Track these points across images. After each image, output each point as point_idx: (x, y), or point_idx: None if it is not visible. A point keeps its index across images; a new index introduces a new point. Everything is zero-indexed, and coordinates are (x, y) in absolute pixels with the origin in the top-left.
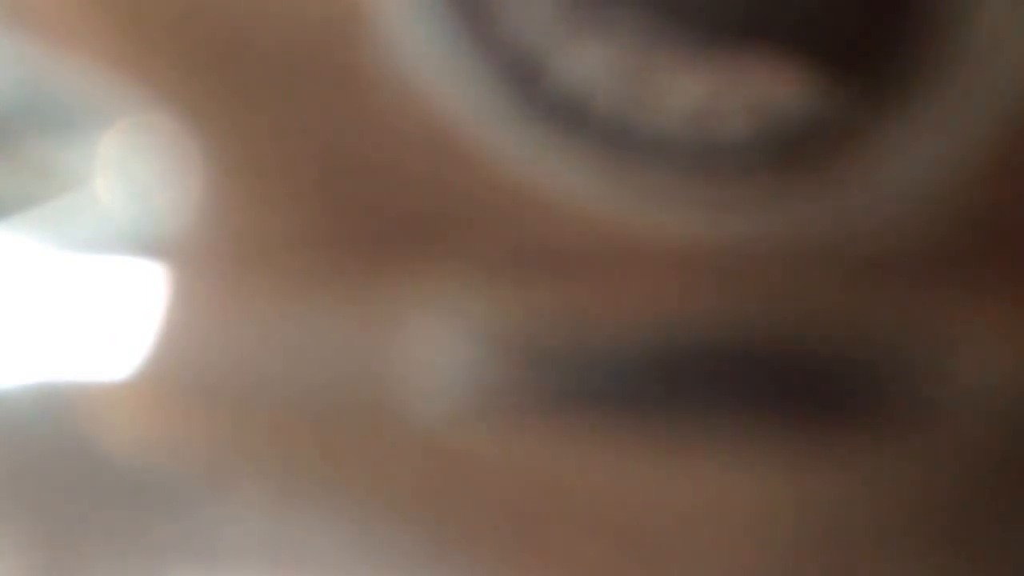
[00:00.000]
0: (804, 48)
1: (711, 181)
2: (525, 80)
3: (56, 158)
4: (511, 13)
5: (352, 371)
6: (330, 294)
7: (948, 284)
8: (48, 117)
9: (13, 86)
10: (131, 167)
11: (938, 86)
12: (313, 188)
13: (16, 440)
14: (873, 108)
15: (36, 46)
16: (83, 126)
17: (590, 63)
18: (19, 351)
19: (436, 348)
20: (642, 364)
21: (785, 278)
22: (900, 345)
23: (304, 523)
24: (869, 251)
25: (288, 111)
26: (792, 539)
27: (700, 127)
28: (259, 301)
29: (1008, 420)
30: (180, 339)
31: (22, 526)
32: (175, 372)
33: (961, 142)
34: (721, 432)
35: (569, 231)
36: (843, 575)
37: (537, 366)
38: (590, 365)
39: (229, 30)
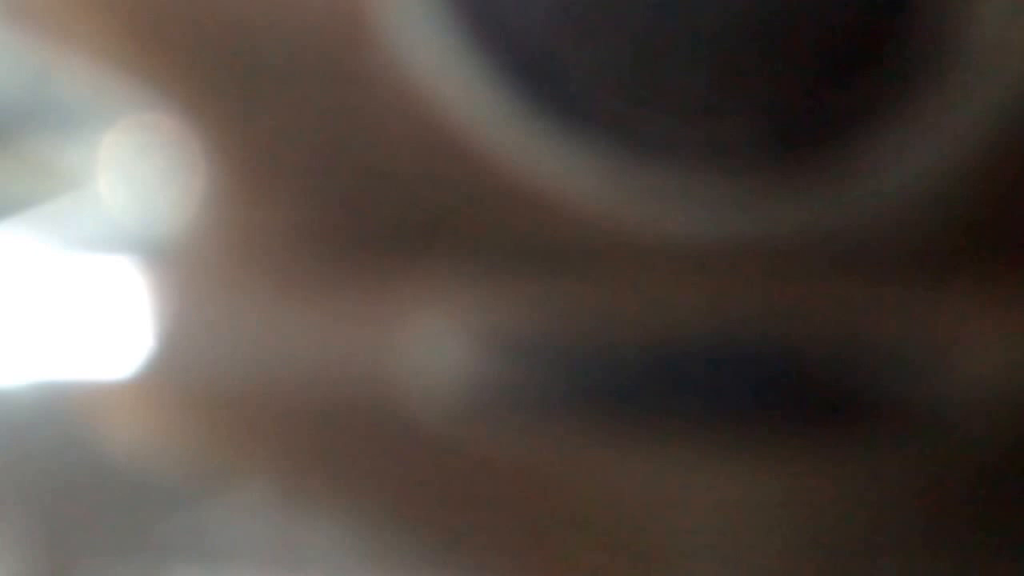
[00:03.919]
0: (805, 50)
1: (712, 181)
2: (527, 80)
3: (58, 158)
4: (513, 14)
5: (352, 370)
6: (330, 294)
7: (948, 284)
8: (50, 117)
9: (15, 86)
10: (132, 167)
11: (938, 87)
12: (314, 188)
13: (16, 439)
14: (873, 109)
15: (38, 46)
16: (85, 126)
17: (592, 64)
18: (20, 351)
19: (436, 348)
20: (642, 364)
21: (785, 278)
22: (900, 345)
23: (304, 522)
24: (869, 251)
25: (289, 111)
26: (792, 538)
27: (701, 127)
28: (259, 301)
29: (1008, 420)
30: (180, 339)
31: (23, 526)
32: (175, 372)
33: (961, 142)
34: (721, 431)
35: (570, 231)
36: (843, 574)
37: (537, 366)
38: (590, 365)
39: (231, 31)
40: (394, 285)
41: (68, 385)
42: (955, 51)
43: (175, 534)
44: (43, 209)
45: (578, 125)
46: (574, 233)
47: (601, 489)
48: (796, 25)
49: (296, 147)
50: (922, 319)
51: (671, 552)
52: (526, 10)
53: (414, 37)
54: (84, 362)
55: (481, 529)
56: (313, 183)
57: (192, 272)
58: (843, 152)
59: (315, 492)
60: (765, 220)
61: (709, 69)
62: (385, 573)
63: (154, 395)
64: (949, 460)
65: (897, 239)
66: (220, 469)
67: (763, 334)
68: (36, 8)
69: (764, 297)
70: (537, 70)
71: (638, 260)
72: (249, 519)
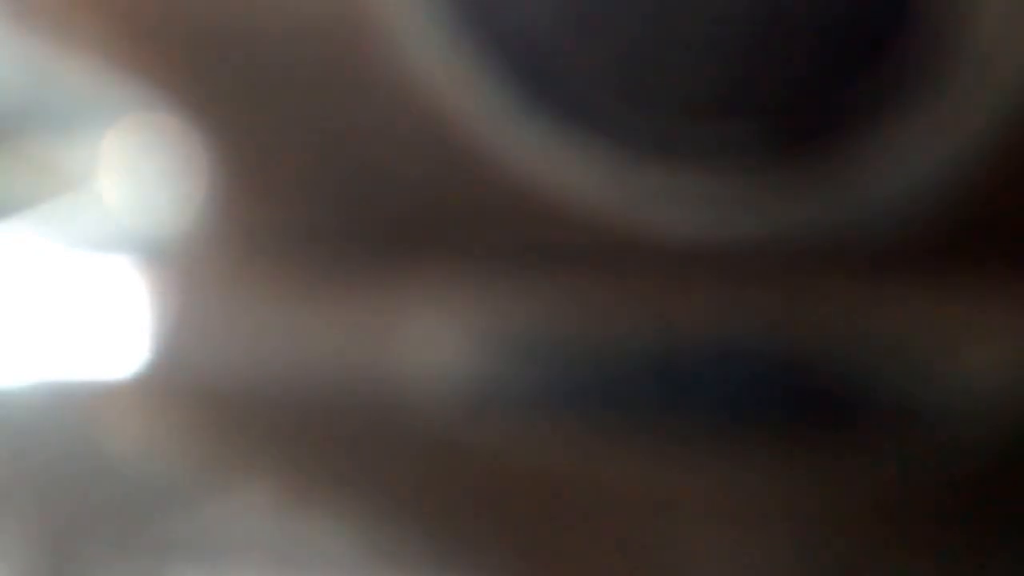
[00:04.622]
0: (805, 50)
1: (712, 181)
2: (527, 80)
3: (58, 158)
4: (514, 14)
5: (352, 370)
6: (330, 294)
7: (948, 283)
8: (51, 116)
9: (15, 86)
10: (133, 167)
11: (938, 86)
12: (314, 188)
13: (17, 439)
14: (874, 109)
15: (40, 46)
16: (86, 125)
17: (591, 64)
18: (21, 351)
19: (436, 347)
20: (642, 364)
21: (786, 278)
22: (900, 345)
23: (304, 522)
24: (869, 251)
25: (290, 111)
26: (792, 538)
27: (701, 127)
28: (259, 301)
29: (1008, 420)
30: (180, 339)
31: (25, 525)
32: (175, 372)
33: (961, 142)
34: (721, 431)
35: (570, 230)
36: (843, 574)
37: (537, 366)
38: (590, 365)
39: (231, 31)
40: (394, 285)
41: (69, 385)
42: (955, 51)
43: (176, 533)
44: (43, 209)
45: (578, 125)
46: (574, 233)
47: (601, 489)
48: (796, 25)
49: (296, 147)
50: (922, 319)
51: (671, 552)
52: (526, 10)
53: (414, 37)
54: (85, 362)
55: (481, 529)
56: (313, 183)
57: (192, 272)
58: (843, 152)
59: (315, 491)
60: (765, 220)
61: (709, 69)
62: (385, 572)
63: (154, 395)
64: (950, 460)
65: (897, 238)
66: (220, 469)
67: (763, 334)
68: (36, 8)
69: (765, 297)
70: (537, 70)
71: (638, 260)
72: (249, 519)
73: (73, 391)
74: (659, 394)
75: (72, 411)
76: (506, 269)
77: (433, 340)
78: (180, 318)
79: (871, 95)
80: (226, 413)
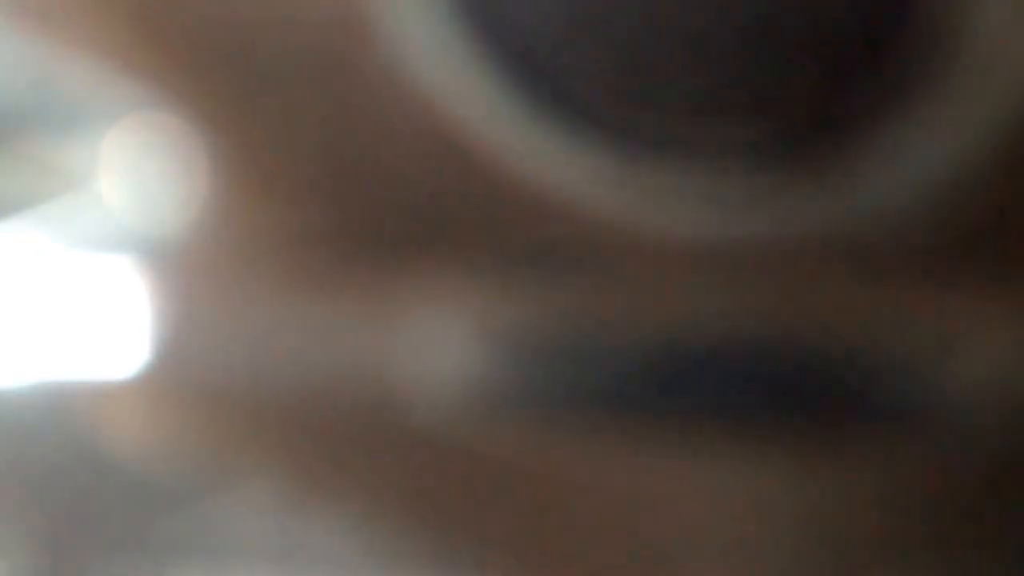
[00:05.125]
0: (807, 51)
1: (713, 181)
2: (527, 80)
3: (58, 158)
4: (514, 14)
5: (353, 370)
6: (331, 294)
7: (950, 284)
8: (52, 116)
9: (15, 86)
10: (134, 166)
11: (939, 87)
12: (316, 188)
13: (18, 439)
14: (875, 109)
15: (41, 46)
16: (85, 126)
17: (592, 64)
18: (21, 351)
19: (436, 347)
20: (643, 364)
21: (786, 278)
22: (900, 345)
23: (305, 521)
24: (870, 251)
25: (291, 112)
26: (793, 537)
27: (702, 127)
28: (260, 301)
29: (1008, 420)
30: (181, 339)
31: (24, 525)
32: (175, 372)
33: (961, 142)
34: (722, 431)
35: (571, 231)
36: (844, 572)
37: (538, 366)
38: (590, 365)
39: (232, 31)
40: (394, 285)
41: (69, 385)
42: (955, 51)
43: (177, 533)
44: (43, 209)
45: (578, 125)
46: (575, 233)
47: (601, 488)
48: (797, 26)
49: (297, 147)
50: (924, 319)
51: (671, 552)
52: (526, 10)
53: (415, 37)
54: (85, 362)
55: (481, 528)
56: (314, 183)
57: (193, 272)
58: (845, 152)
59: (316, 491)
60: (766, 220)
61: (711, 70)
62: (386, 571)
63: (155, 395)
64: (951, 459)
65: (899, 239)
66: (221, 468)
67: (764, 334)
68: (37, 8)
69: (765, 297)
70: (537, 70)
71: (638, 260)
72: (250, 518)
73: (73, 391)
74: (659, 393)
75: (72, 411)
76: (507, 269)
77: (434, 340)
78: (180, 318)
79: (871, 95)
80: (226, 413)
